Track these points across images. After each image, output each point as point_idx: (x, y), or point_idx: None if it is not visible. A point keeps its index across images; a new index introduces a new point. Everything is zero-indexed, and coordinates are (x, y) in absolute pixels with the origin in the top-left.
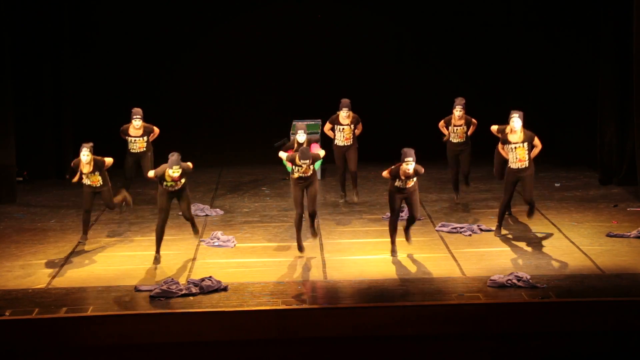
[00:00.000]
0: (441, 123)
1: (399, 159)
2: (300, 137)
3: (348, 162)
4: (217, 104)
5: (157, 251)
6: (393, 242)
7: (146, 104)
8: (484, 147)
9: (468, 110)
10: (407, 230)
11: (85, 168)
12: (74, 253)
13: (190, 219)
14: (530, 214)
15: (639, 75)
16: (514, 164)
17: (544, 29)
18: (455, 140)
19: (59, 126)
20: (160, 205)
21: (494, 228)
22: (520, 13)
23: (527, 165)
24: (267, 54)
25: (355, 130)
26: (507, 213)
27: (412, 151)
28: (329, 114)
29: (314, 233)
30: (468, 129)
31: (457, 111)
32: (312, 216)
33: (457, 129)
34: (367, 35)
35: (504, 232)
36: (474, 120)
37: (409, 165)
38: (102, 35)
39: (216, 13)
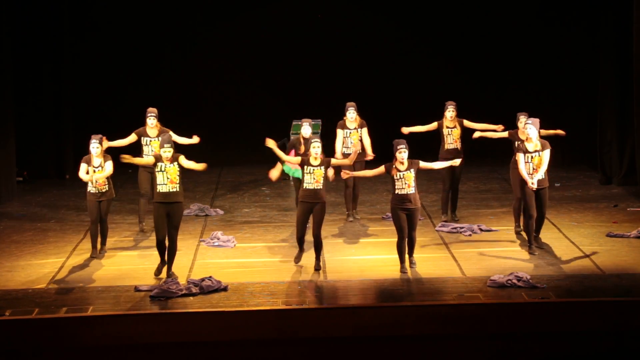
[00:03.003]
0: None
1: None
2: (306, 130)
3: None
4: (217, 104)
5: (162, 261)
6: (402, 261)
7: (146, 104)
8: (483, 146)
9: (468, 110)
10: (410, 256)
11: (95, 162)
12: (73, 253)
13: (172, 244)
14: (539, 229)
15: (639, 75)
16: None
17: (544, 28)
18: (451, 147)
19: (59, 126)
20: (155, 223)
21: (494, 228)
22: (520, 13)
23: (543, 177)
24: (267, 54)
25: (364, 139)
26: (518, 229)
27: (403, 140)
28: (329, 114)
29: (318, 266)
30: (462, 131)
31: (450, 112)
32: (317, 245)
33: (452, 132)
34: (367, 35)
35: (504, 232)
36: (464, 121)
37: (402, 153)
38: (102, 35)
39: (216, 12)
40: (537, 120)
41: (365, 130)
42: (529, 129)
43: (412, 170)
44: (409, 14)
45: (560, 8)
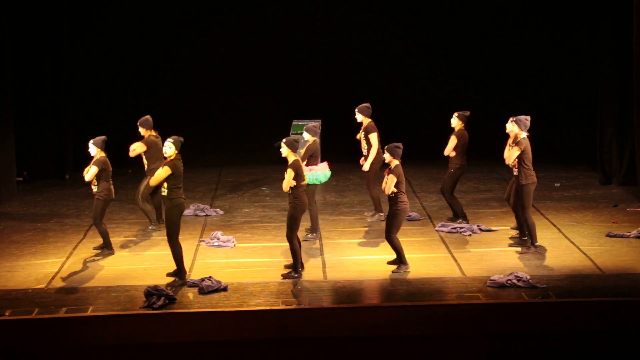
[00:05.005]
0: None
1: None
2: (305, 135)
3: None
4: (218, 104)
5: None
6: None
7: (146, 104)
8: (483, 146)
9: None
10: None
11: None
12: (73, 253)
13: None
14: (521, 232)
15: (639, 75)
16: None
17: (544, 29)
18: (447, 153)
19: (59, 126)
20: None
21: (494, 228)
22: (520, 14)
23: (516, 173)
24: (267, 54)
25: (369, 143)
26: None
27: (391, 144)
28: (329, 114)
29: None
30: (457, 142)
31: (452, 118)
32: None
33: (450, 140)
34: (367, 35)
35: (504, 232)
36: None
37: (384, 154)
38: (102, 35)
39: (216, 12)
40: (521, 118)
41: (373, 140)
42: (507, 125)
43: (391, 175)
44: (410, 15)
45: (560, 9)
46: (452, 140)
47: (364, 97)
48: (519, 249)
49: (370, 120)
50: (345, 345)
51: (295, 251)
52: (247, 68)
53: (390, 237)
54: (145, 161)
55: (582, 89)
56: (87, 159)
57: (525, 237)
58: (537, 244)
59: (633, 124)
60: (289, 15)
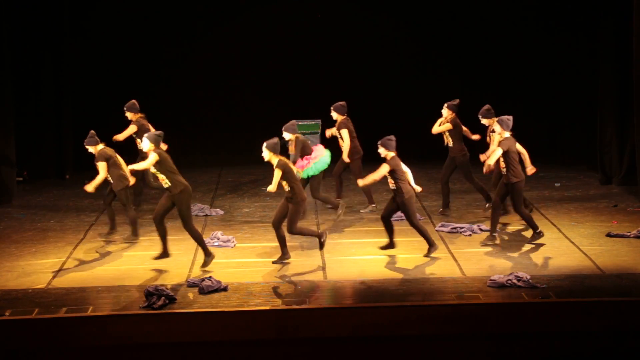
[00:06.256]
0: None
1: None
2: (286, 135)
3: None
4: (217, 104)
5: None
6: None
7: (146, 104)
8: (482, 146)
9: (469, 112)
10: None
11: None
12: (73, 253)
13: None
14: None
15: (639, 76)
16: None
17: (544, 29)
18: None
19: (59, 126)
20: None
21: None
22: (519, 13)
23: (504, 172)
24: (267, 54)
25: (340, 139)
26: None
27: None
28: (329, 114)
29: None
30: (454, 130)
31: (443, 109)
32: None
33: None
34: (367, 35)
35: (504, 232)
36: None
37: (380, 149)
38: (102, 35)
39: (216, 12)
40: (504, 119)
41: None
42: (495, 126)
43: (383, 164)
44: (409, 16)
45: (559, 8)
46: (446, 126)
47: (363, 97)
48: (538, 241)
49: (343, 117)
50: (345, 345)
51: (305, 231)
52: (247, 68)
53: (412, 223)
54: (138, 144)
55: (582, 89)
56: (87, 159)
57: (537, 230)
58: (539, 230)
59: (633, 124)
60: (289, 15)
